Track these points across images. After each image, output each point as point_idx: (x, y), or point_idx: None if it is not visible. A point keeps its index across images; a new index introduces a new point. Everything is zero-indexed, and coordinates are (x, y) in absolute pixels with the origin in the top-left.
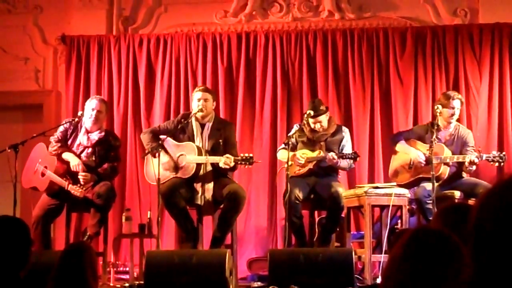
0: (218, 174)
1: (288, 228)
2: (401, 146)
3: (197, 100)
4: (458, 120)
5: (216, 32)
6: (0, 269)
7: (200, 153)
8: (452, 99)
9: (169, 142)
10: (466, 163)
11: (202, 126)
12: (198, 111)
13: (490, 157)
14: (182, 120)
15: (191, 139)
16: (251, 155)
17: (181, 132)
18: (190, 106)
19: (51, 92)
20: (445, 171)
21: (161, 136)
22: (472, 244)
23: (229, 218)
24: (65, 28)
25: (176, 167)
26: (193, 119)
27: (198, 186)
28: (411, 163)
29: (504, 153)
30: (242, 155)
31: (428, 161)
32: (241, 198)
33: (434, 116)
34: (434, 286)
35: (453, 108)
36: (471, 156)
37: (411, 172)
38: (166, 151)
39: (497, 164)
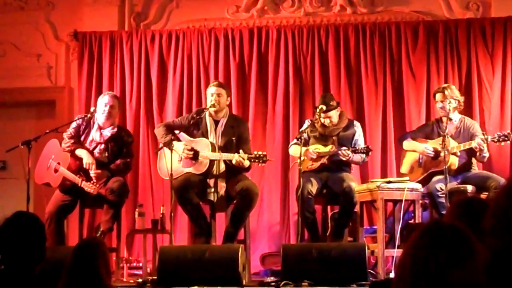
0: (231, 171)
1: (301, 223)
2: (408, 144)
3: (211, 95)
4: (470, 114)
5: (228, 28)
6: (16, 265)
7: (213, 149)
8: (435, 94)
9: (183, 137)
10: (474, 148)
11: (216, 122)
12: (210, 106)
13: (495, 137)
14: (195, 115)
15: (205, 135)
16: (264, 153)
17: (194, 128)
18: (203, 102)
19: (63, 89)
20: (454, 162)
21: (175, 131)
22: (490, 230)
23: (242, 214)
24: (77, 24)
25: (196, 156)
26: (207, 115)
27: (211, 182)
28: (420, 159)
29: (508, 131)
30: (255, 153)
31: (437, 153)
32: (253, 195)
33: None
34: (447, 279)
35: (437, 101)
36: (476, 140)
37: (422, 168)
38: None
39: (503, 143)
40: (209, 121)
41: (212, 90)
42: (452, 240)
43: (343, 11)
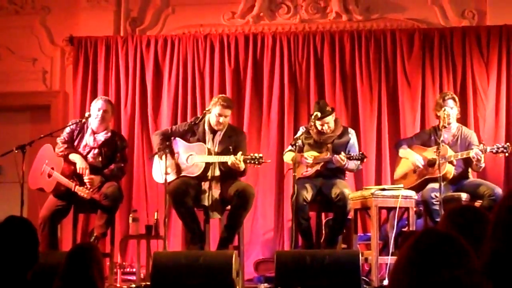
0: (226, 176)
1: (295, 230)
2: (403, 151)
3: (218, 115)
4: (465, 122)
5: (224, 34)
6: (7, 269)
7: (210, 155)
8: (444, 100)
9: (179, 143)
10: (472, 158)
11: (214, 131)
12: (215, 125)
13: (494, 148)
14: (193, 123)
15: (201, 142)
16: (260, 155)
17: (191, 136)
18: (198, 107)
19: (58, 93)
20: (450, 170)
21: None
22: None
23: (238, 215)
24: (73, 29)
25: (179, 171)
26: (206, 124)
27: (205, 185)
28: (415, 168)
29: (508, 143)
30: (251, 154)
31: (431, 161)
32: (249, 195)
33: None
34: (441, 287)
35: (448, 108)
36: (474, 149)
37: (417, 175)
38: (172, 155)
39: (501, 155)
40: (207, 129)
41: (218, 110)
42: (446, 248)
43: (339, 18)
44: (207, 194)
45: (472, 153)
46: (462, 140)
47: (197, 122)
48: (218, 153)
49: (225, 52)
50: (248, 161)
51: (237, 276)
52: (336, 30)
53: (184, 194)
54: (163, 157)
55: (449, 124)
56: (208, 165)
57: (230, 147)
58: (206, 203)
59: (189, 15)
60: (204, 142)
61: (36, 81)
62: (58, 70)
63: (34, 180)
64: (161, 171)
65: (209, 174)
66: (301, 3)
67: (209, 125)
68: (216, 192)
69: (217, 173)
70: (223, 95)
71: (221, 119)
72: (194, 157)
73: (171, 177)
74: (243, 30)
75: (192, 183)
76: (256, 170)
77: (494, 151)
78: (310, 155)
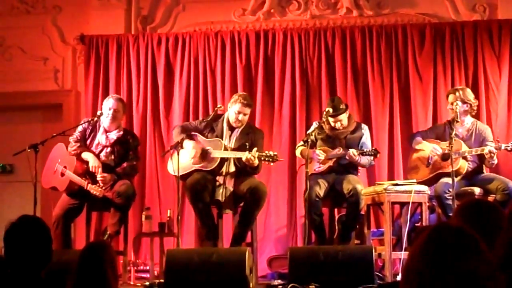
0: (241, 172)
1: (308, 226)
2: (418, 144)
3: (237, 112)
4: (477, 116)
5: (235, 30)
6: (21, 268)
7: (226, 150)
8: (448, 95)
9: (198, 138)
10: (485, 154)
11: (232, 128)
12: (234, 122)
13: (508, 146)
14: (212, 121)
15: (220, 138)
16: (275, 153)
17: (210, 132)
18: (210, 105)
19: (70, 92)
20: (463, 166)
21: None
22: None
23: (251, 213)
24: (84, 28)
25: (204, 155)
26: (224, 122)
27: (220, 180)
28: (429, 160)
29: None
30: (266, 152)
31: (445, 156)
32: (262, 193)
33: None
34: (453, 282)
35: (449, 102)
36: (489, 146)
37: (430, 168)
38: (197, 141)
39: None
40: (225, 127)
41: (238, 107)
42: (458, 242)
43: (350, 14)
44: (221, 188)
45: (486, 150)
46: (477, 135)
47: (208, 119)
48: (234, 150)
49: (236, 49)
50: (262, 159)
51: (251, 272)
52: (347, 26)
53: (202, 189)
54: (183, 147)
55: (456, 119)
56: (223, 160)
57: (247, 144)
58: (220, 197)
59: (200, 12)
60: (222, 138)
61: (48, 80)
62: (70, 69)
63: (47, 179)
64: (173, 167)
65: (224, 169)
66: None
67: (228, 122)
68: (230, 187)
69: (232, 169)
70: (244, 93)
71: (240, 117)
72: (210, 151)
73: (193, 165)
74: (254, 27)
75: (209, 178)
76: (269, 167)
77: (509, 148)
78: (321, 150)
